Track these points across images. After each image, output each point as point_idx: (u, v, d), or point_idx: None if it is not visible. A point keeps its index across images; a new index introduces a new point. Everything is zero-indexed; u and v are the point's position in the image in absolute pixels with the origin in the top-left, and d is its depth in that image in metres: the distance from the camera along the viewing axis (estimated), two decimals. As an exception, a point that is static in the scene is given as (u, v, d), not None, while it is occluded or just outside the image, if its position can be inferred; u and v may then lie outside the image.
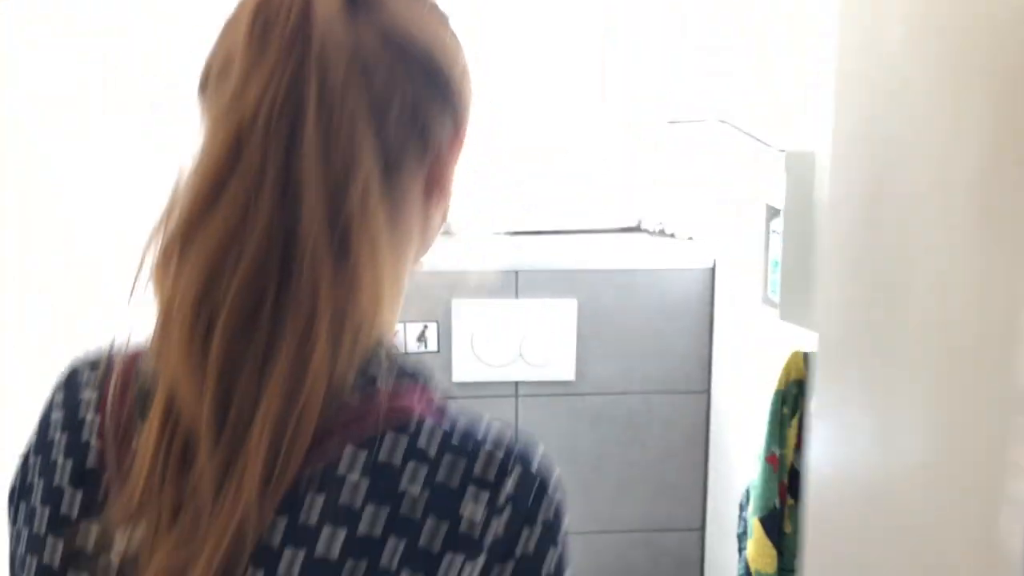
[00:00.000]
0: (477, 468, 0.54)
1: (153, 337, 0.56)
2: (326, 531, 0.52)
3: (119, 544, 0.55)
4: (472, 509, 0.53)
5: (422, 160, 0.61)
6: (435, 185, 0.63)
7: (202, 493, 0.52)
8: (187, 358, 0.53)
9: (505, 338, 1.91)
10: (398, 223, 0.60)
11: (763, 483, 1.30)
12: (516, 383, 1.92)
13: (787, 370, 1.29)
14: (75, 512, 0.57)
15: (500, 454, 0.55)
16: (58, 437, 0.59)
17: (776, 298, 1.23)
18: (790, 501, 1.28)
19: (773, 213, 1.24)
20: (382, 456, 0.54)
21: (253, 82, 0.53)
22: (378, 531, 0.52)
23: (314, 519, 0.52)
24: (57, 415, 0.60)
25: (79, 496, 0.57)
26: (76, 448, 0.58)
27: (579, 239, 2.13)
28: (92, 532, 0.56)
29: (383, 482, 0.53)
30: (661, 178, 2.10)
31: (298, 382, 0.52)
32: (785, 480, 1.30)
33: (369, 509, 0.52)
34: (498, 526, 0.53)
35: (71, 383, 0.62)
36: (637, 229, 2.24)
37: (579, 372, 1.92)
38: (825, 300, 0.78)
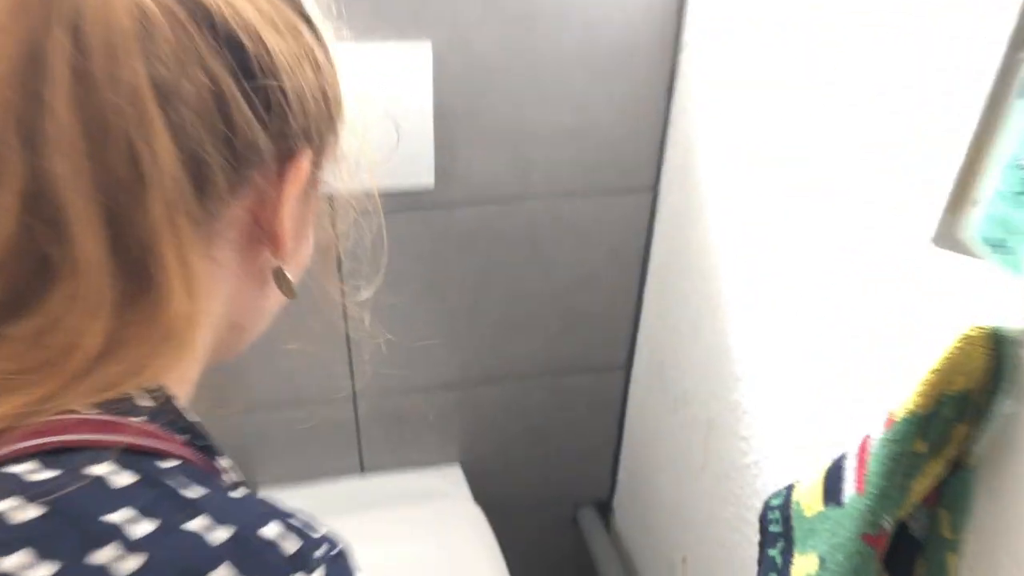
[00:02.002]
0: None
1: None
2: None
3: None
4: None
5: (238, 184, 0.41)
6: (261, 230, 0.44)
7: None
8: None
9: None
10: (212, 270, 0.43)
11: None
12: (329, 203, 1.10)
13: (947, 373, 0.55)
14: None
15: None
16: None
17: (1007, 253, 0.45)
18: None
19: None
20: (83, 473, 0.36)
21: None
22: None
23: None
24: None
25: None
26: None
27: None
28: None
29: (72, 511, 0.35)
30: None
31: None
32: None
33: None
34: None
35: None
36: None
37: (440, 171, 1.11)
38: None
